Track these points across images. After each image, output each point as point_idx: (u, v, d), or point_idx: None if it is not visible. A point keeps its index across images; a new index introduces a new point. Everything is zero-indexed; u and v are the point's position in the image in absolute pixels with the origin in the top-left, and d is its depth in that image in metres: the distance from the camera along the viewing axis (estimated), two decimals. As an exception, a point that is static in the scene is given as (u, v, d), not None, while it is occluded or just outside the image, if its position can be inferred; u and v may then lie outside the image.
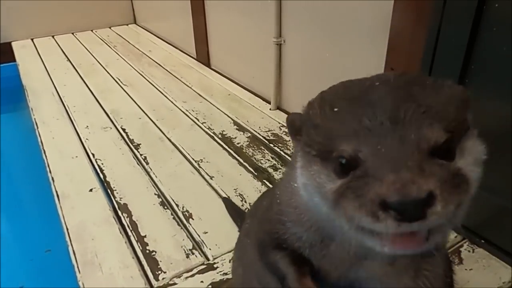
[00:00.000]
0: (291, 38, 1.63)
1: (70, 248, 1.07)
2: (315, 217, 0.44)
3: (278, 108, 1.80)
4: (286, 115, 1.74)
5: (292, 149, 0.46)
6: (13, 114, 2.57)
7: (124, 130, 1.67)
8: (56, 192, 1.29)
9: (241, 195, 1.23)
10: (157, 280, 0.96)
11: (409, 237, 0.34)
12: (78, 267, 1.00)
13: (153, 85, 2.13)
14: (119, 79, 2.21)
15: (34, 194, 1.84)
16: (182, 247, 1.05)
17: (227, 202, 1.20)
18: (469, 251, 1.01)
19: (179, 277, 0.96)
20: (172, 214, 1.17)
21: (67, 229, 1.13)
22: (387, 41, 1.17)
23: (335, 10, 1.36)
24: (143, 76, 2.26)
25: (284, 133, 1.60)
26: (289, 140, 1.55)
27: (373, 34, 1.23)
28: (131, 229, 1.12)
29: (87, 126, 1.71)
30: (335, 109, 0.37)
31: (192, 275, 0.97)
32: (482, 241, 1.02)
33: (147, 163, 1.43)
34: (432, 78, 0.40)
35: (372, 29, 1.23)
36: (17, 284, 1.48)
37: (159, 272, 0.98)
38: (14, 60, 2.69)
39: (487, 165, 0.97)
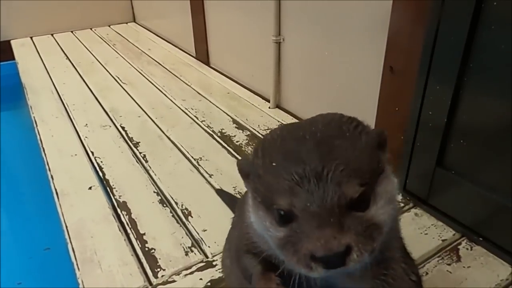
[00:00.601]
0: (290, 37, 1.63)
1: (69, 245, 1.07)
2: (269, 247, 0.51)
3: (278, 106, 1.80)
4: (285, 114, 1.76)
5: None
6: (12, 112, 2.57)
7: (123, 128, 1.67)
8: (56, 189, 1.29)
9: (240, 193, 1.24)
10: (156, 277, 0.96)
11: None
12: (77, 264, 1.00)
13: (152, 83, 2.13)
14: (118, 78, 2.21)
15: (33, 192, 1.85)
16: (181, 244, 1.05)
17: (221, 193, 1.22)
18: (467, 248, 1.02)
19: (178, 274, 0.97)
20: (171, 212, 1.18)
21: (66, 226, 1.13)
22: (386, 39, 1.17)
23: (334, 9, 1.37)
24: (142, 75, 2.26)
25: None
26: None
27: (372, 33, 1.23)
28: (130, 227, 1.12)
29: (86, 124, 1.71)
30: (273, 164, 0.43)
31: (191, 273, 0.97)
32: (480, 238, 1.02)
33: (146, 161, 1.43)
34: (353, 124, 0.47)
35: (371, 27, 1.24)
36: (16, 282, 1.49)
37: (158, 269, 0.98)
38: (13, 58, 2.69)
39: (486, 163, 0.98)
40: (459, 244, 1.03)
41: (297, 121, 1.67)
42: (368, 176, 0.42)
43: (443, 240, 1.04)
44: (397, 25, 1.14)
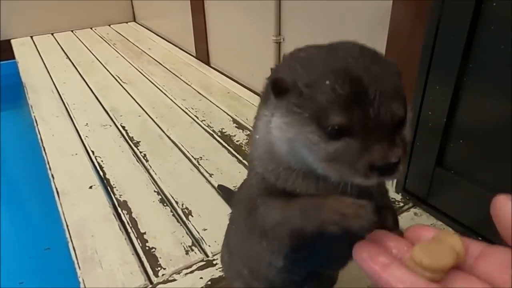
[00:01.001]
0: (290, 36, 1.64)
1: (70, 244, 1.07)
2: (292, 162, 0.51)
3: (278, 106, 1.80)
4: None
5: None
6: (12, 112, 2.57)
7: (123, 127, 1.67)
8: (56, 189, 1.30)
9: (240, 192, 1.24)
10: (156, 276, 0.96)
11: None
12: (78, 263, 1.01)
13: (152, 83, 2.14)
14: (118, 77, 2.21)
15: (33, 191, 1.85)
16: (181, 243, 1.06)
17: (222, 188, 1.23)
18: (466, 248, 1.02)
19: (179, 273, 0.97)
20: (171, 211, 1.18)
21: (67, 225, 1.14)
22: (385, 39, 1.17)
23: (334, 9, 1.37)
24: (142, 74, 2.26)
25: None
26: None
27: (372, 32, 1.24)
28: (130, 226, 1.13)
29: (87, 124, 1.71)
30: (327, 82, 0.45)
31: (192, 272, 0.97)
32: (479, 238, 1.03)
33: (147, 161, 1.43)
34: (374, 50, 0.50)
35: (371, 27, 1.24)
36: (17, 281, 1.49)
37: (159, 268, 0.98)
38: (14, 58, 2.69)
39: (486, 163, 0.98)
40: (459, 243, 1.03)
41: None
42: (405, 99, 0.47)
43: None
44: (396, 25, 1.14)
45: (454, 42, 0.93)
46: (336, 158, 0.45)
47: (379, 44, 1.19)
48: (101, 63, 2.46)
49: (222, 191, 1.23)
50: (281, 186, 0.53)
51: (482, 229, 1.03)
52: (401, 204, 1.17)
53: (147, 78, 2.20)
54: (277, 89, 0.49)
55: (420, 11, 1.06)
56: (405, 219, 1.12)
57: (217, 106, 1.84)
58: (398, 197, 1.20)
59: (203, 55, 2.38)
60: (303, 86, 0.46)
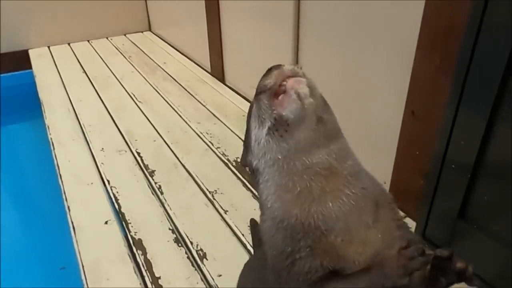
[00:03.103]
0: (308, 65, 1.61)
1: (85, 288, 1.08)
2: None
3: (293, 132, 1.78)
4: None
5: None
6: (29, 123, 2.61)
7: (139, 154, 1.67)
8: (72, 223, 1.31)
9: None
10: (171, 329, 0.96)
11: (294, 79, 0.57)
12: (93, 311, 1.01)
13: (167, 102, 2.13)
14: (133, 95, 2.22)
15: (50, 207, 1.87)
16: (196, 291, 1.05)
17: (253, 222, 1.19)
18: (487, 306, 0.99)
19: (193, 326, 0.97)
20: (186, 253, 1.18)
21: (83, 266, 1.14)
22: (411, 66, 1.13)
23: (357, 41, 1.34)
24: (157, 92, 2.26)
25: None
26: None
27: (395, 59, 1.19)
28: (145, 268, 1.13)
29: (102, 149, 1.72)
30: None
31: (206, 325, 0.97)
32: (502, 296, 1.00)
33: (162, 193, 1.43)
34: None
35: (394, 68, 1.21)
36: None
37: (173, 320, 0.98)
38: (31, 67, 2.72)
39: (507, 216, 0.94)
40: (479, 301, 1.01)
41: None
42: None
43: (462, 295, 1.01)
44: (420, 70, 1.11)
45: (492, 65, 0.88)
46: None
47: (402, 87, 1.16)
48: (116, 78, 2.46)
49: (252, 226, 1.18)
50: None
51: (504, 287, 1.00)
52: (420, 252, 1.14)
53: (162, 97, 2.19)
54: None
55: (453, 29, 1.00)
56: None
57: (232, 131, 1.83)
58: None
59: (218, 71, 2.37)
60: None
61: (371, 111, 1.33)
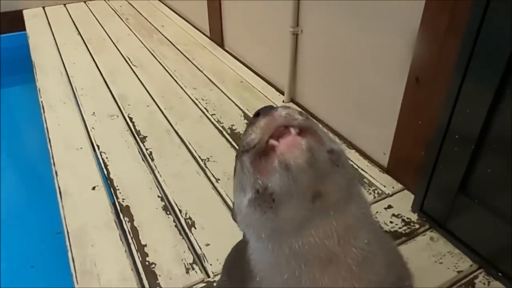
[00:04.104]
0: (309, 29, 1.51)
1: (69, 254, 1.05)
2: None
3: (292, 100, 1.71)
4: (300, 109, 1.66)
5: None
6: (25, 86, 2.55)
7: (131, 119, 1.62)
8: (59, 188, 1.27)
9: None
10: (155, 297, 0.93)
11: (287, 138, 0.42)
12: (76, 276, 0.98)
13: (163, 66, 2.05)
14: (129, 59, 2.14)
15: (46, 173, 1.84)
16: (182, 260, 1.02)
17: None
18: (484, 283, 0.95)
19: (178, 295, 0.94)
20: (174, 221, 1.14)
21: (67, 232, 1.11)
22: (416, 33, 1.05)
23: (359, 4, 1.24)
24: (154, 56, 2.17)
25: (296, 130, 1.52)
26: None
27: (399, 27, 1.11)
28: (132, 236, 1.09)
29: (94, 113, 1.66)
30: None
31: (191, 294, 0.94)
32: (500, 274, 0.95)
33: (152, 160, 1.38)
34: None
35: (399, 29, 1.12)
36: (28, 265, 1.51)
37: (158, 288, 0.95)
38: (25, 29, 2.63)
39: (509, 191, 0.89)
40: (476, 277, 0.97)
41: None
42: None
43: (458, 272, 0.98)
44: (427, 33, 1.02)
45: (505, 29, 0.79)
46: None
47: (406, 41, 1.08)
48: (112, 42, 2.37)
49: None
50: None
51: (503, 264, 0.95)
52: (417, 226, 1.10)
53: (158, 61, 2.11)
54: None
55: (455, 18, 0.93)
56: (419, 244, 1.05)
57: (229, 98, 1.76)
58: (414, 217, 1.13)
59: (217, 35, 2.27)
60: None
61: (373, 77, 1.25)
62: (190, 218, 1.15)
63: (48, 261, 1.52)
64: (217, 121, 1.59)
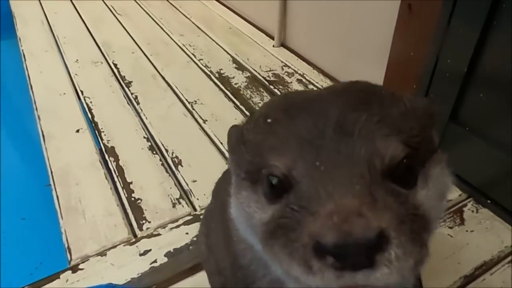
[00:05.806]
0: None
1: (53, 192, 1.03)
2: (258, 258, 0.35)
3: (282, 45, 1.65)
4: (290, 54, 1.62)
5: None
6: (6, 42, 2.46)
7: (115, 65, 1.56)
8: (42, 132, 1.23)
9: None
10: (141, 229, 0.92)
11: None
12: (61, 213, 0.97)
13: (149, 14, 1.97)
14: (113, 7, 2.05)
15: (35, 127, 1.80)
16: (169, 196, 1.00)
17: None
18: (472, 211, 0.95)
19: (164, 227, 0.93)
20: (160, 160, 1.11)
21: (51, 172, 1.09)
22: None
23: None
24: (138, 4, 2.08)
25: (286, 73, 1.48)
26: (291, 82, 1.44)
27: None
28: (117, 174, 1.07)
29: (77, 60, 1.60)
30: (269, 120, 0.29)
31: (177, 226, 0.93)
32: (488, 201, 0.95)
33: (138, 103, 1.34)
34: (391, 91, 0.31)
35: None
36: (19, 217, 1.50)
37: (144, 221, 0.94)
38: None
39: (504, 121, 0.87)
40: (465, 205, 0.96)
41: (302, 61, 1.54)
42: (416, 140, 0.28)
43: (447, 201, 0.97)
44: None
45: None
46: (272, 234, 0.26)
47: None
48: (95, -9, 2.26)
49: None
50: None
51: (492, 191, 0.95)
52: (407, 160, 1.08)
53: (144, 9, 2.03)
54: (229, 146, 0.37)
55: None
56: (409, 177, 1.04)
57: (217, 43, 1.70)
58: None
59: (205, -16, 2.17)
60: (247, 136, 0.32)
61: (365, 9, 1.20)
62: (177, 157, 1.13)
63: (39, 213, 1.51)
64: (204, 66, 1.54)
